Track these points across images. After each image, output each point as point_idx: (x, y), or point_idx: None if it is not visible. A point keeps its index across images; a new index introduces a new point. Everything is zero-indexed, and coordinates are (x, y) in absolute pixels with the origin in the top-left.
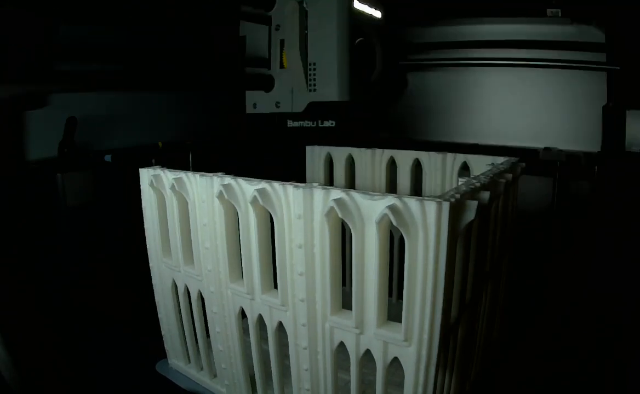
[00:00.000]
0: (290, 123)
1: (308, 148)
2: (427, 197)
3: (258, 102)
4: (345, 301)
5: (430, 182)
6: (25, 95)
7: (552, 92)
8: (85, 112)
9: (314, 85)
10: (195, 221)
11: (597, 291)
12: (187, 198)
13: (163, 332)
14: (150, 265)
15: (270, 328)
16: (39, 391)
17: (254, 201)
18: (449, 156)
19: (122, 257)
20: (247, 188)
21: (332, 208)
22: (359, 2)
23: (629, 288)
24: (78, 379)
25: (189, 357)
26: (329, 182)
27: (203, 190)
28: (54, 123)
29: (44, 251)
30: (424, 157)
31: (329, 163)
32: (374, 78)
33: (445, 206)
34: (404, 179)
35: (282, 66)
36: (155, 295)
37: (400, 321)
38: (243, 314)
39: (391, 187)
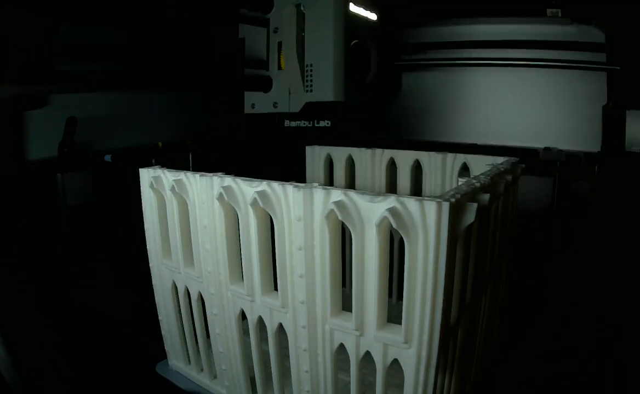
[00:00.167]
0: (287, 123)
1: (308, 149)
2: (427, 197)
3: (256, 102)
4: (345, 302)
5: (430, 182)
6: (26, 95)
7: (552, 92)
8: (85, 112)
9: (311, 86)
10: (195, 223)
11: (597, 291)
12: (187, 200)
13: (163, 333)
14: (151, 265)
15: (271, 329)
16: (39, 391)
17: (254, 203)
18: (449, 156)
19: (122, 257)
20: (247, 190)
21: (332, 210)
22: (355, 5)
23: (629, 288)
24: (78, 379)
25: (189, 358)
26: (329, 182)
27: (203, 191)
28: (54, 123)
29: (44, 251)
30: (424, 157)
31: (329, 164)
32: (369, 79)
33: (445, 206)
34: (404, 180)
35: (279, 68)
36: (156, 296)
37: (400, 322)
38: (243, 315)
39: (391, 188)
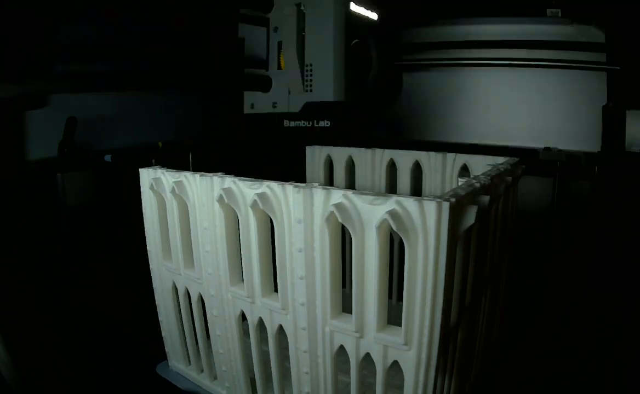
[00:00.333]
0: (286, 123)
1: (308, 149)
2: (427, 197)
3: (256, 102)
4: (345, 303)
5: (430, 182)
6: (27, 94)
7: (552, 92)
8: (85, 112)
9: (310, 85)
10: (195, 225)
11: (597, 291)
12: (187, 202)
13: (163, 334)
14: (151, 267)
15: (271, 331)
16: (39, 391)
17: (254, 205)
18: (449, 157)
19: (122, 257)
20: (247, 192)
21: (332, 212)
22: (355, 4)
23: (629, 288)
24: (78, 379)
25: (189, 359)
26: (329, 182)
27: (203, 193)
28: (54, 123)
29: (44, 251)
30: (424, 157)
31: (329, 164)
32: (369, 79)
33: (445, 206)
34: (404, 180)
35: (279, 67)
36: (156, 297)
37: (400, 323)
38: (243, 316)
39: (391, 188)
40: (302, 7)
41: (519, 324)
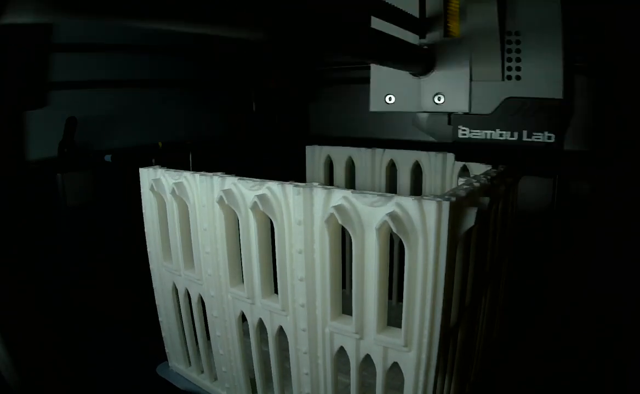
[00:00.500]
0: (463, 133)
1: (308, 149)
2: (427, 197)
3: (396, 93)
4: (345, 304)
5: (430, 182)
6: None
7: None
8: (85, 112)
9: (517, 70)
10: (195, 226)
11: (597, 291)
12: (187, 203)
13: (164, 334)
14: (151, 267)
15: (271, 332)
16: (39, 391)
17: (254, 206)
18: (449, 157)
19: (122, 257)
20: (247, 193)
21: (332, 214)
22: None
23: (629, 288)
24: (78, 379)
25: (189, 360)
26: (329, 182)
27: (203, 194)
28: (54, 123)
29: (44, 251)
30: (424, 157)
31: (329, 164)
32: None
33: (445, 206)
34: (404, 180)
35: (447, 34)
36: (156, 298)
37: (399, 324)
38: (243, 317)
39: (391, 188)
40: None
41: (519, 324)
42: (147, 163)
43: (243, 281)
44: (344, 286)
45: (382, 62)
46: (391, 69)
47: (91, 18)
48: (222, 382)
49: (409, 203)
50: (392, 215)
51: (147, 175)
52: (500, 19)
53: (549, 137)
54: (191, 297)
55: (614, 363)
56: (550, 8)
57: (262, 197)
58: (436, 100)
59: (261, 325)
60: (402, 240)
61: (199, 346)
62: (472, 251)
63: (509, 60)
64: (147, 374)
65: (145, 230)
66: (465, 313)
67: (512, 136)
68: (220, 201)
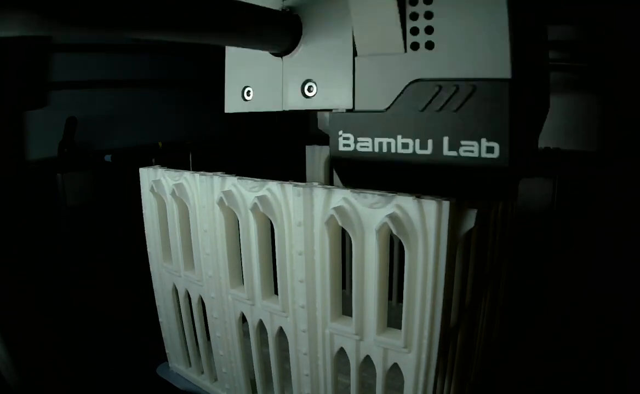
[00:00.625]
0: (345, 143)
1: (308, 149)
2: (427, 197)
3: (254, 84)
4: (345, 305)
5: None
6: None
7: (552, 92)
8: (85, 112)
9: (428, 32)
10: (195, 227)
11: (597, 291)
12: (187, 204)
13: (164, 335)
14: (151, 268)
15: (271, 333)
16: (39, 391)
17: (254, 208)
18: None
19: (122, 257)
20: (247, 195)
21: (332, 216)
22: None
23: (629, 288)
24: (78, 379)
25: (189, 361)
26: (329, 182)
27: (203, 195)
28: (54, 123)
29: (44, 251)
30: None
31: (329, 164)
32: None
33: (445, 205)
34: None
35: None
36: (156, 299)
37: (399, 324)
38: (243, 318)
39: None
40: None
41: (519, 324)
42: (147, 163)
43: (243, 283)
44: (343, 287)
45: (202, 38)
46: (249, 51)
47: (76, 32)
48: (222, 383)
49: (409, 203)
50: (392, 217)
51: (147, 175)
52: None
53: (489, 149)
54: (191, 298)
55: (614, 363)
56: None
57: (262, 199)
58: (306, 91)
59: (261, 326)
60: (402, 241)
61: (199, 347)
62: (472, 253)
63: (414, 17)
64: (147, 375)
65: (146, 231)
66: (465, 314)
67: (423, 147)
68: (221, 202)
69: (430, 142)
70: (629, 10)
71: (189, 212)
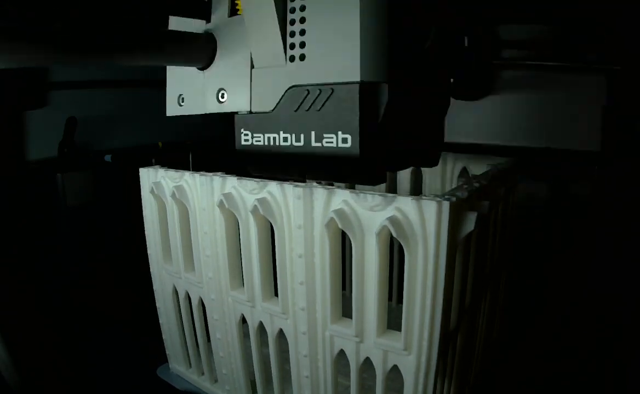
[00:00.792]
0: (245, 139)
1: None
2: (427, 197)
3: (186, 91)
4: (345, 305)
5: (430, 183)
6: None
7: (552, 92)
8: (85, 112)
9: (302, 47)
10: (195, 229)
11: (597, 291)
12: (187, 206)
13: (164, 336)
14: (151, 269)
15: (271, 335)
16: (39, 391)
17: (255, 210)
18: (449, 158)
19: (122, 257)
20: (247, 197)
21: (332, 219)
22: None
23: (629, 288)
24: (78, 379)
25: (190, 362)
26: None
27: (204, 197)
28: (54, 123)
29: (44, 251)
30: None
31: None
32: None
33: (445, 206)
34: (403, 182)
35: (234, 12)
36: (156, 300)
37: (399, 325)
38: (243, 319)
39: (390, 190)
40: None
41: (519, 324)
42: (147, 163)
43: (243, 285)
44: (343, 288)
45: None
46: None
47: (61, 62)
48: (222, 384)
49: (408, 205)
50: (392, 219)
51: (147, 175)
52: None
53: (344, 140)
54: (191, 300)
55: (614, 363)
56: None
57: (262, 201)
58: (220, 98)
59: (261, 328)
60: (402, 244)
61: (199, 348)
62: (472, 255)
63: (292, 34)
64: (147, 376)
65: (146, 231)
66: (465, 316)
67: (297, 140)
68: (221, 204)
69: (302, 135)
70: (629, 10)
71: (189, 214)
